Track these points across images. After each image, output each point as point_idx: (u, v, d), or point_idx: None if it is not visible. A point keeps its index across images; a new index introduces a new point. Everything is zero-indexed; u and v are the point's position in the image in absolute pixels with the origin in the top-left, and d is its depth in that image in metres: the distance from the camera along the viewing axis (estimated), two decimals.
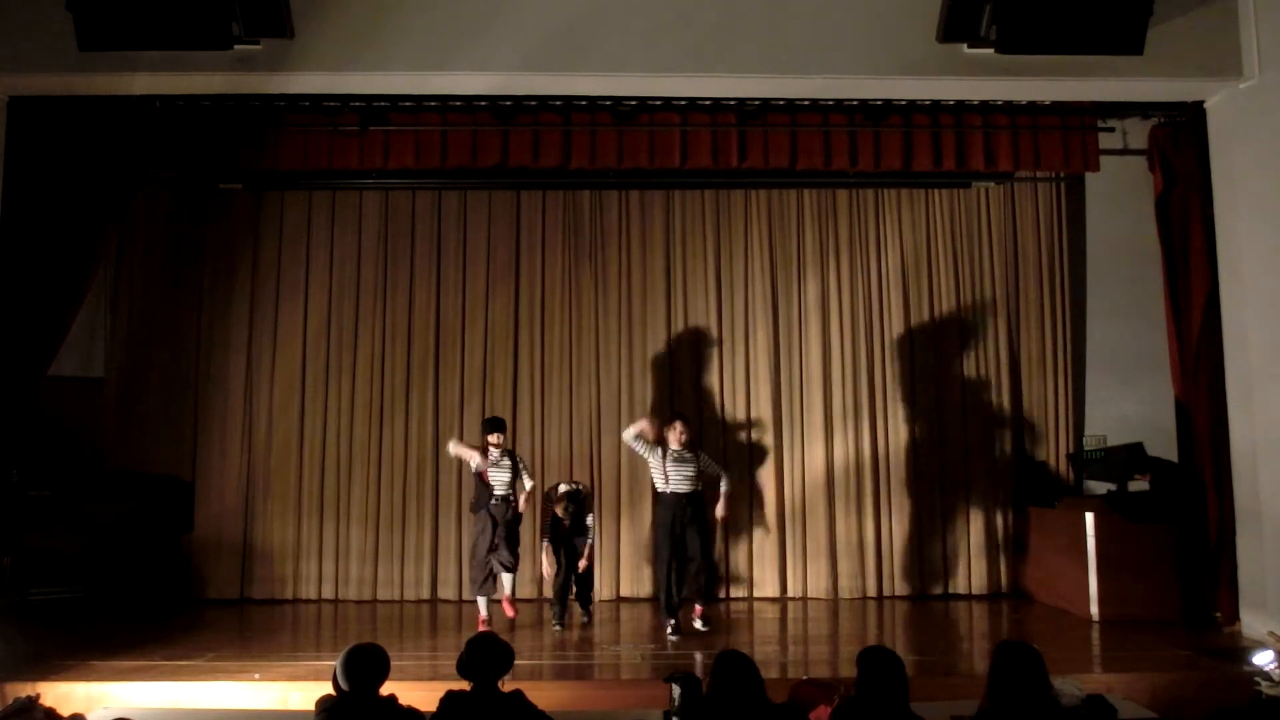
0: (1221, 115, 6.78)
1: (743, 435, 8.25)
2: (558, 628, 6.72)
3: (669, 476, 6.55)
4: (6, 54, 6.12)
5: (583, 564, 6.96)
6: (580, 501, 7.12)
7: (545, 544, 7.02)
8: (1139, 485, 7.32)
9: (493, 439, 6.74)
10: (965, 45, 6.21)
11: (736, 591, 8.06)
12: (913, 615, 7.51)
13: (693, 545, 6.54)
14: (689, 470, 6.57)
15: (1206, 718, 3.20)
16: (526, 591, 7.98)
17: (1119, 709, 3.94)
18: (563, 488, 7.23)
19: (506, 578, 6.64)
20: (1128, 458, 7.37)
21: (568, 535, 6.98)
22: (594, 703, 5.04)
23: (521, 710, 3.44)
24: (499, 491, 6.64)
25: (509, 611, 6.58)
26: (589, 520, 7.19)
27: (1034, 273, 8.39)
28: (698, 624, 6.59)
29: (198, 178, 8.13)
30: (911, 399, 8.28)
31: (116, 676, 5.30)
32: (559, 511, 6.96)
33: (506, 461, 6.74)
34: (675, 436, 6.61)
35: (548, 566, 6.96)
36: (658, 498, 6.78)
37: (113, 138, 6.85)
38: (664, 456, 6.57)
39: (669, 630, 6.42)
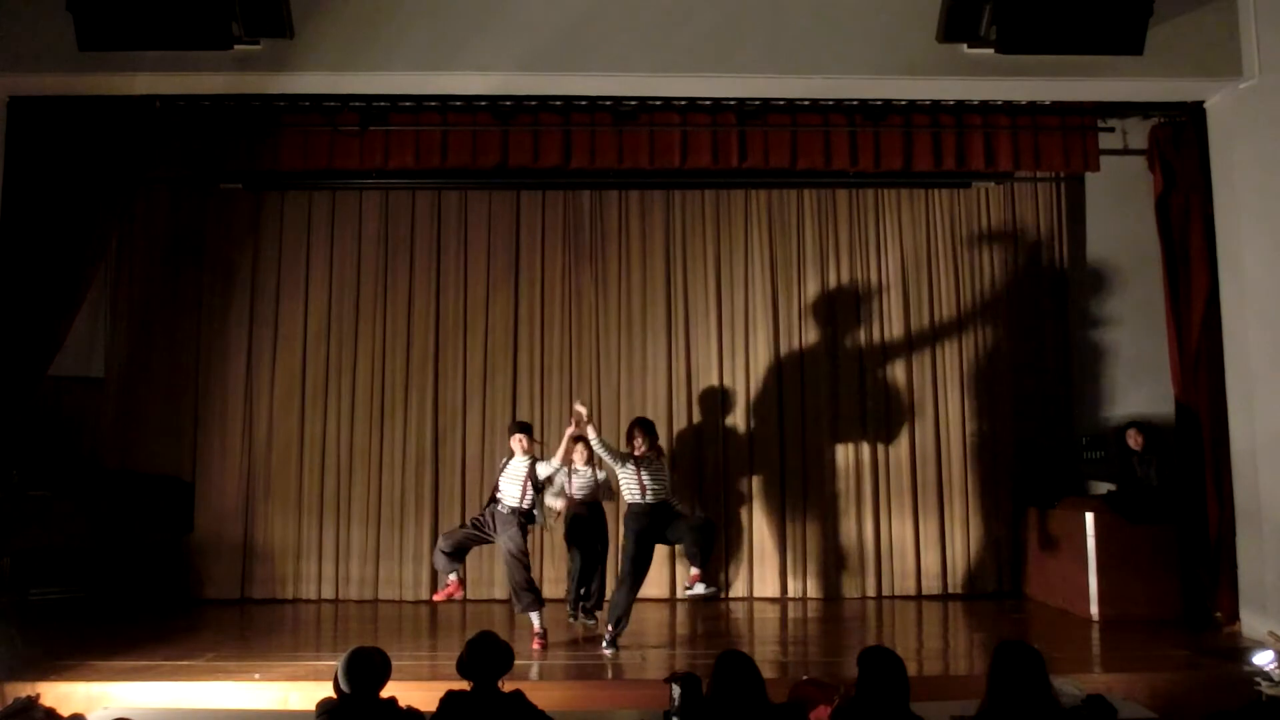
0: (1221, 115, 6.78)
1: (743, 435, 8.24)
2: (572, 620, 6.74)
3: (645, 487, 6.15)
4: (6, 54, 6.11)
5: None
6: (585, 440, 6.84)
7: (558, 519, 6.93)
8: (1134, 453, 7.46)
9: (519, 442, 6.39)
10: (965, 45, 6.21)
11: (736, 591, 8.06)
12: (913, 615, 7.51)
13: (679, 529, 6.25)
14: (663, 477, 6.27)
15: (1206, 718, 3.20)
16: None
17: (1119, 709, 3.94)
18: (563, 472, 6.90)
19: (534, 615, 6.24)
20: (1125, 423, 7.53)
21: (588, 535, 6.87)
22: (594, 703, 5.04)
23: (521, 710, 3.44)
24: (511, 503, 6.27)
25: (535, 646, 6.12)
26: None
27: (1034, 273, 8.39)
28: (702, 589, 6.36)
29: (198, 178, 8.13)
30: (911, 399, 8.28)
31: (116, 676, 5.30)
32: (576, 462, 6.81)
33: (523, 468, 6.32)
34: (639, 444, 6.22)
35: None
36: (630, 509, 6.23)
37: (113, 138, 6.84)
38: (637, 466, 6.19)
39: (608, 640, 6.05)
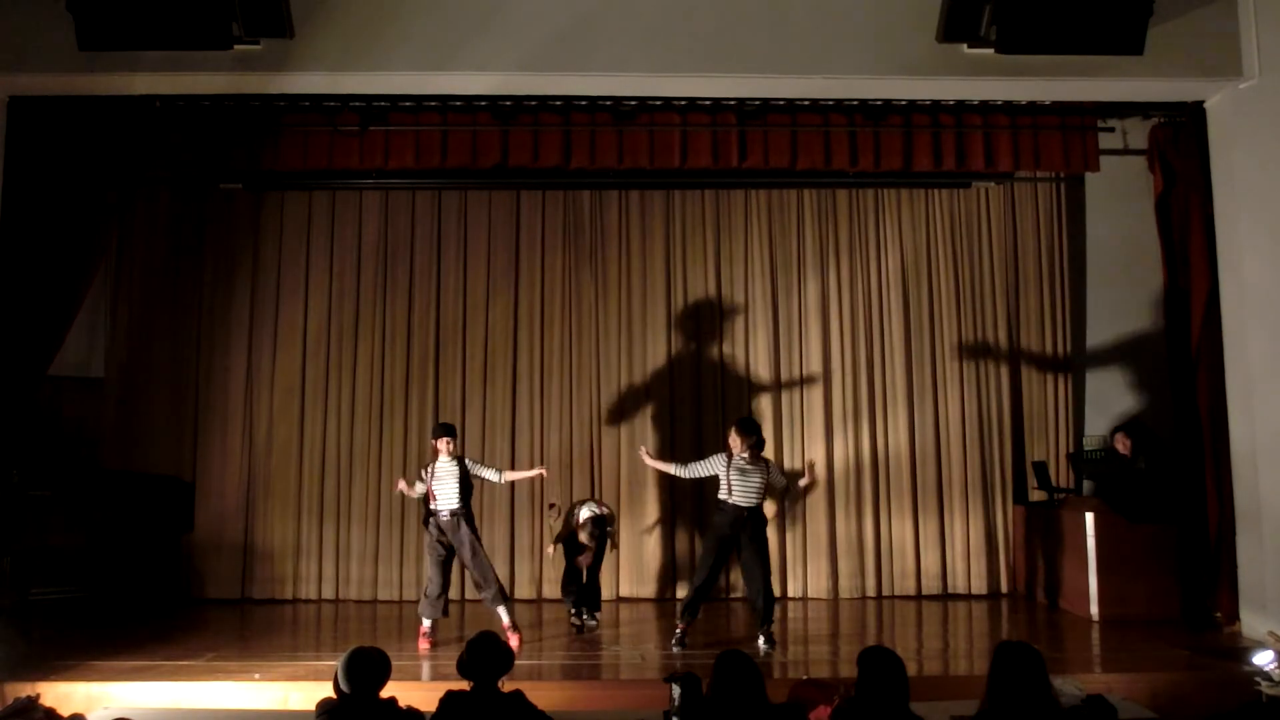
0: (1221, 115, 6.78)
1: None
2: (577, 622, 6.75)
3: (732, 487, 6.15)
4: (6, 54, 6.11)
5: (582, 560, 6.74)
6: (604, 528, 6.82)
7: (556, 549, 6.91)
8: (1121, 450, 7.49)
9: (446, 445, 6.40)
10: (965, 45, 6.21)
11: (737, 592, 8.05)
12: (913, 615, 7.51)
13: (751, 567, 6.20)
14: (754, 482, 6.17)
15: (1206, 718, 3.20)
16: (525, 592, 8.00)
17: (1119, 709, 3.94)
18: (586, 513, 6.77)
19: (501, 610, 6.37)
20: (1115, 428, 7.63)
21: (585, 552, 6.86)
22: (594, 703, 5.04)
23: (521, 710, 3.44)
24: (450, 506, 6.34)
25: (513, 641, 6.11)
26: (607, 544, 6.94)
27: (1034, 273, 8.39)
28: (761, 643, 6.10)
29: (198, 178, 8.12)
30: (911, 399, 8.28)
31: (116, 676, 5.30)
32: (583, 538, 6.73)
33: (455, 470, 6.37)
34: (738, 444, 6.19)
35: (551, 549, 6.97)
36: (717, 505, 6.28)
37: (113, 138, 6.85)
38: (729, 465, 6.19)
39: (675, 637, 6.16)
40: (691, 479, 6.44)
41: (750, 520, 6.17)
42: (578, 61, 6.29)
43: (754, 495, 6.17)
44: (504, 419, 8.20)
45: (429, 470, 6.42)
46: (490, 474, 6.53)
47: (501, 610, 6.35)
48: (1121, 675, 5.28)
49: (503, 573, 7.97)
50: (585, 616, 6.84)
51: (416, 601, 7.77)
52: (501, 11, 6.22)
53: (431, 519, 6.40)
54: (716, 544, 6.24)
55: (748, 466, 6.18)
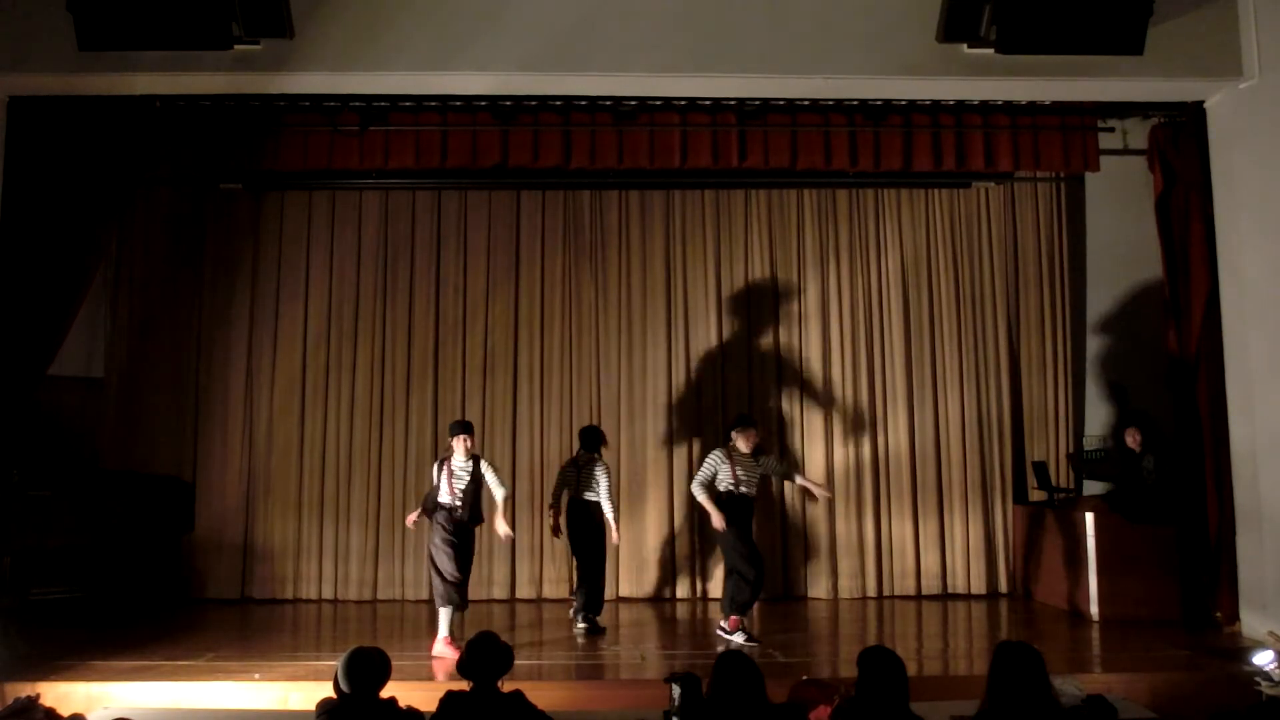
0: (1221, 115, 6.78)
1: None
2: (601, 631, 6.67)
3: (739, 480, 6.39)
4: (6, 54, 6.11)
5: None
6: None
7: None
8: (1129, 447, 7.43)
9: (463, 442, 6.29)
10: (965, 45, 6.21)
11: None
12: (913, 615, 7.51)
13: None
14: (755, 476, 6.51)
15: (1207, 718, 3.20)
16: (526, 592, 8.00)
17: (1119, 709, 3.95)
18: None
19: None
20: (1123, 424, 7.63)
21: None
22: (594, 703, 5.05)
23: (521, 710, 3.45)
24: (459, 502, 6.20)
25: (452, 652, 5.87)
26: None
27: (1034, 273, 8.39)
28: (739, 637, 6.24)
29: (198, 178, 8.12)
30: (911, 399, 8.28)
31: (116, 676, 5.31)
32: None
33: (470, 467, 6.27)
34: (746, 442, 6.44)
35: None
36: (724, 499, 6.34)
37: (113, 138, 6.85)
38: (732, 462, 6.40)
39: (744, 631, 6.25)
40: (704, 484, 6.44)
41: (750, 509, 6.49)
42: (578, 62, 6.29)
43: (756, 487, 6.54)
44: (504, 419, 8.20)
45: (443, 466, 6.29)
46: (497, 489, 6.26)
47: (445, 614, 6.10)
48: (1121, 675, 5.29)
49: (503, 572, 8.01)
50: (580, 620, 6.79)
51: (417, 601, 7.84)
52: (501, 12, 6.21)
53: (442, 513, 6.18)
54: (747, 535, 6.45)
55: (747, 459, 6.45)
